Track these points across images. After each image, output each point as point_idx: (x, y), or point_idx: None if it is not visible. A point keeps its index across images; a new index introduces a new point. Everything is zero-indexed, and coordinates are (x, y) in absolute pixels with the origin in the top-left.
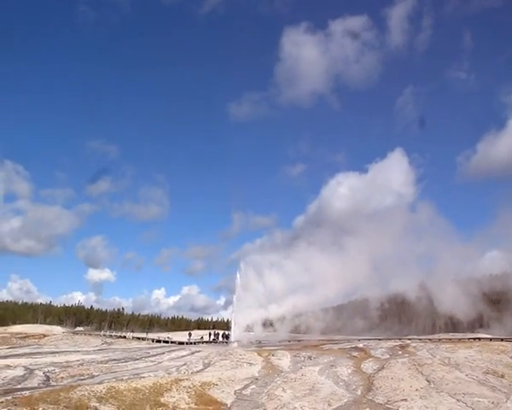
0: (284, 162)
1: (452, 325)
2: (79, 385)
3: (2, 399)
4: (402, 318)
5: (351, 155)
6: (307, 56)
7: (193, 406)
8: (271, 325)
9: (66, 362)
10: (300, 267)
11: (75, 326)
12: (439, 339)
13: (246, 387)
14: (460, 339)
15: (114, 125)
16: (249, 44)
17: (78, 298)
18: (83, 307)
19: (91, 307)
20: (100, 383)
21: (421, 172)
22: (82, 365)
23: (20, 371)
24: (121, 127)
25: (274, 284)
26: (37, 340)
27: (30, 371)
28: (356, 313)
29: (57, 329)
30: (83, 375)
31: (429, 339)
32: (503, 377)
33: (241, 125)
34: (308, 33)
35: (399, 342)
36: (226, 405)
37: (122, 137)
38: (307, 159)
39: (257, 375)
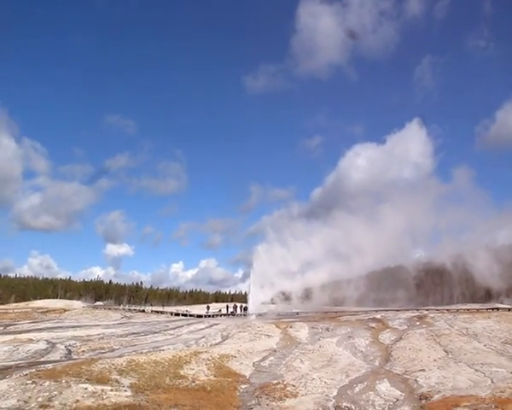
0: (302, 135)
1: (488, 295)
2: (100, 358)
3: (27, 371)
4: (437, 288)
5: (369, 127)
6: (324, 27)
7: (212, 378)
8: (289, 297)
9: (87, 336)
10: (336, 235)
11: (95, 301)
12: (457, 309)
13: (264, 359)
14: (478, 309)
15: (131, 100)
16: (265, 16)
17: (97, 273)
18: (102, 281)
19: (110, 281)
20: (120, 356)
21: (439, 142)
22: (102, 338)
23: (42, 345)
24: (138, 102)
25: (301, 255)
26: (58, 314)
27: (52, 345)
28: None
29: (77, 303)
30: (103, 348)
31: (447, 309)
32: None
33: (257, 98)
34: (325, 3)
35: (417, 313)
36: (245, 376)
37: (139, 112)
38: (325, 131)
39: (275, 347)
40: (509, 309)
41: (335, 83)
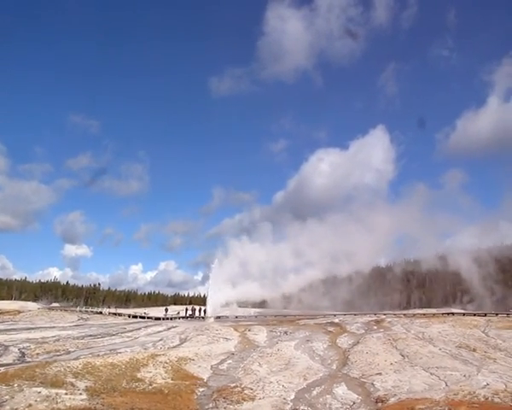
0: (267, 138)
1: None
2: (55, 361)
3: None
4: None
5: (333, 132)
6: (292, 31)
7: (169, 381)
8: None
9: (42, 338)
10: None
11: (51, 302)
12: (414, 314)
13: (222, 362)
14: (434, 314)
15: (96, 101)
16: (232, 18)
17: (54, 274)
18: (58, 282)
19: (67, 282)
20: (76, 358)
21: (401, 149)
22: (58, 341)
23: None
24: (103, 103)
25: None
26: (11, 316)
27: (4, 348)
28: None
29: (32, 305)
30: (59, 351)
31: (404, 314)
32: (475, 350)
33: (222, 101)
34: (293, 7)
35: (375, 318)
36: (202, 379)
37: (103, 113)
38: (290, 135)
39: (233, 350)
40: (464, 314)
41: (301, 87)
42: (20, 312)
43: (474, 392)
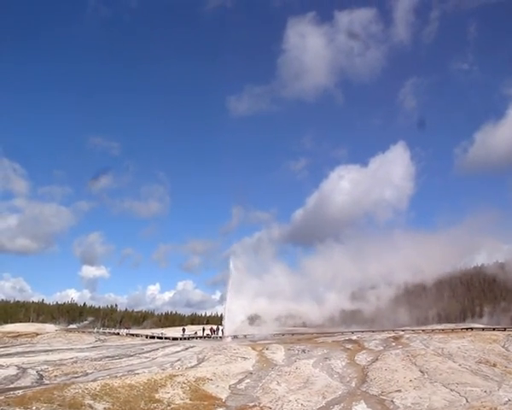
0: (287, 157)
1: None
2: (73, 383)
3: None
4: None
5: (354, 150)
6: (312, 48)
7: (188, 401)
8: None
9: (60, 360)
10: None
11: (68, 324)
12: (432, 330)
13: (240, 381)
14: (453, 329)
15: (116, 122)
16: (253, 36)
17: (72, 295)
18: (76, 304)
19: (84, 304)
20: (94, 380)
21: (422, 166)
22: (75, 362)
23: (12, 371)
24: (123, 124)
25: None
26: (29, 339)
27: (23, 370)
28: None
29: (50, 327)
30: (76, 373)
31: (422, 330)
32: (495, 366)
33: (242, 119)
34: (313, 24)
35: (393, 334)
36: (221, 399)
37: (124, 134)
38: (310, 153)
39: (251, 369)
40: (483, 329)
41: (322, 105)
42: (37, 334)
43: (496, 408)
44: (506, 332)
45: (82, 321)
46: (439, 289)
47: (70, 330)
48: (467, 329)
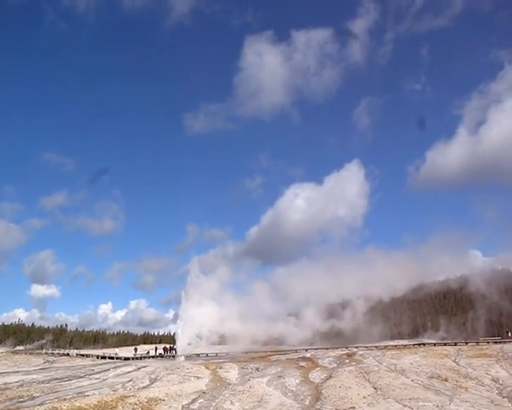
0: (243, 175)
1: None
2: (18, 408)
3: None
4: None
5: (310, 168)
6: (268, 67)
7: None
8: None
9: (4, 384)
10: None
11: (15, 346)
12: (385, 346)
13: (193, 401)
14: (405, 345)
15: (71, 139)
16: (210, 54)
17: (19, 315)
18: (23, 324)
19: (33, 324)
20: (41, 404)
21: (376, 184)
22: (22, 386)
23: None
24: (77, 141)
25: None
26: None
27: None
28: None
29: None
30: (22, 397)
31: (375, 347)
32: (446, 380)
33: (197, 137)
34: (270, 43)
35: (346, 351)
36: None
37: (78, 151)
38: (266, 172)
39: (204, 388)
40: (435, 344)
41: (278, 124)
42: None
43: None
44: (457, 347)
45: (30, 342)
46: (391, 305)
47: (16, 352)
48: (419, 344)
